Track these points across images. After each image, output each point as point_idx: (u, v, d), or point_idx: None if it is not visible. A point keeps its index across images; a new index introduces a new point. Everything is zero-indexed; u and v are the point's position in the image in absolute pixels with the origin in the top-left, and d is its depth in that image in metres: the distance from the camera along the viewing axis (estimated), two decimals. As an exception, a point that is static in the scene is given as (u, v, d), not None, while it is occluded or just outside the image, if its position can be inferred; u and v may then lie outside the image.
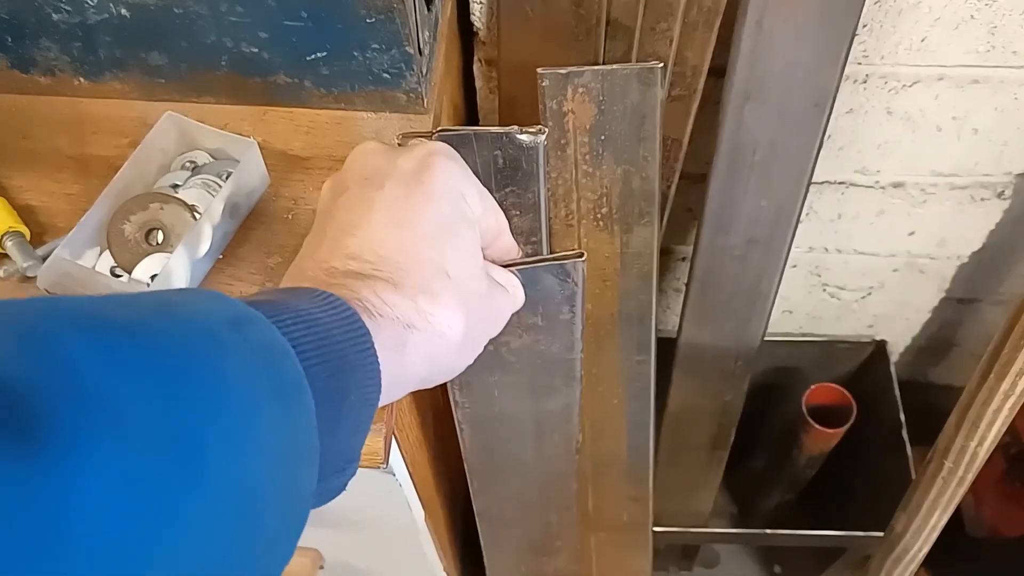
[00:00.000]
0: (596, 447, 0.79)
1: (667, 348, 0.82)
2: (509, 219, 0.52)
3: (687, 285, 0.76)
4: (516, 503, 0.59)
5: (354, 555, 0.71)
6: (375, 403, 0.30)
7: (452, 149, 0.38)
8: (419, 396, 0.62)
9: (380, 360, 0.30)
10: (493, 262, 0.41)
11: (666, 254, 0.89)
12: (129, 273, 0.49)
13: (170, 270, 0.47)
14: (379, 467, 0.48)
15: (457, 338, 0.34)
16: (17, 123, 0.57)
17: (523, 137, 0.48)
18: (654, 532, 0.89)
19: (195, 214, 0.49)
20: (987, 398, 0.49)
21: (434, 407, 0.70)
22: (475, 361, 0.44)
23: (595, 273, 0.64)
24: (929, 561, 1.14)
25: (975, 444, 0.53)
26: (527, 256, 0.45)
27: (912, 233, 0.82)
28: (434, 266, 0.33)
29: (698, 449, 0.96)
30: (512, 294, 0.41)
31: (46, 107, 0.58)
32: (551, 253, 0.49)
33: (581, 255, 0.43)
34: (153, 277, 0.48)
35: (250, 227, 0.53)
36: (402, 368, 0.32)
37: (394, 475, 0.54)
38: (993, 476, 1.12)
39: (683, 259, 0.89)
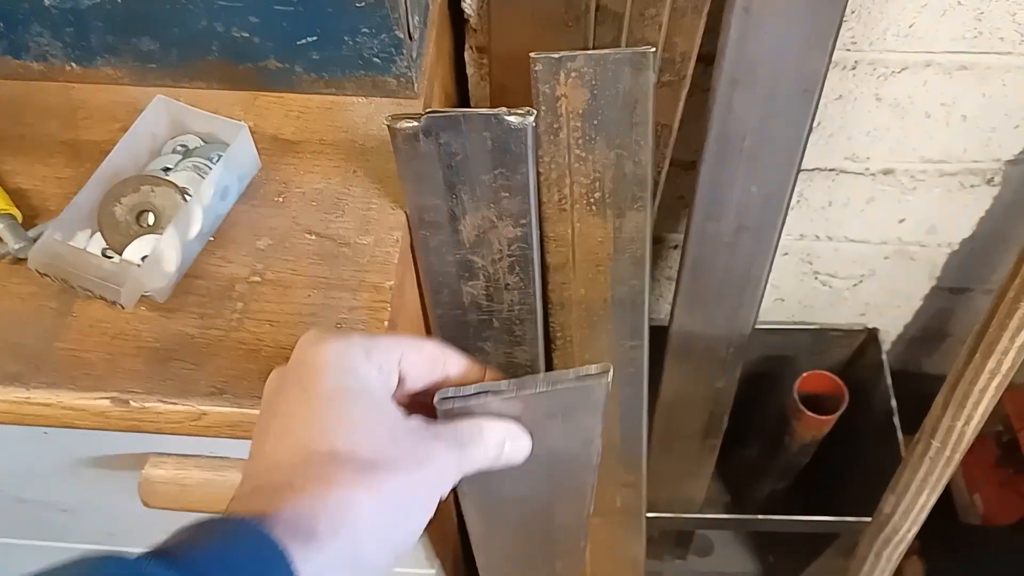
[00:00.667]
0: (589, 433, 0.80)
1: (659, 336, 0.82)
2: (498, 201, 0.53)
3: (678, 272, 0.77)
4: (522, 557, 0.58)
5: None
6: None
7: (324, 332, 0.35)
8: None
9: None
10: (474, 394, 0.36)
11: (658, 242, 0.89)
12: (120, 254, 0.49)
13: (160, 251, 0.48)
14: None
15: (374, 511, 0.31)
16: (9, 109, 0.58)
17: (512, 119, 0.49)
18: (647, 518, 0.89)
19: (186, 196, 0.50)
20: (973, 378, 0.50)
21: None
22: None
23: (588, 258, 0.64)
24: (922, 549, 1.15)
25: (962, 424, 0.54)
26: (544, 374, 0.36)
27: (902, 220, 0.82)
28: (325, 453, 0.31)
29: (690, 437, 0.96)
30: (466, 443, 0.35)
31: (38, 93, 0.58)
32: (542, 266, 0.46)
33: (606, 371, 0.35)
34: (144, 258, 0.48)
35: (241, 210, 0.53)
36: (330, 560, 0.30)
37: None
38: (986, 463, 1.13)
39: (675, 247, 0.90)
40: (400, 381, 0.36)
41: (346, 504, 0.31)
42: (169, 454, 0.56)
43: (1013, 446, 1.09)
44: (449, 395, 0.35)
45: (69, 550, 0.85)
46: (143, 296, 0.50)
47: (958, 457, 0.56)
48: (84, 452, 0.58)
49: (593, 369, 0.35)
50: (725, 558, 1.26)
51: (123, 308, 0.49)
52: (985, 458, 1.14)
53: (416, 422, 0.35)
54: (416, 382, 0.37)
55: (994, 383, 0.50)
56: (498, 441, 0.36)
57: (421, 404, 0.37)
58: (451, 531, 0.85)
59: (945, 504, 1.04)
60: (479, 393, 0.36)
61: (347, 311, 0.50)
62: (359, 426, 0.32)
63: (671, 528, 1.11)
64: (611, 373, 0.35)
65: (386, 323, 0.50)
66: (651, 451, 0.98)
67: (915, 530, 0.64)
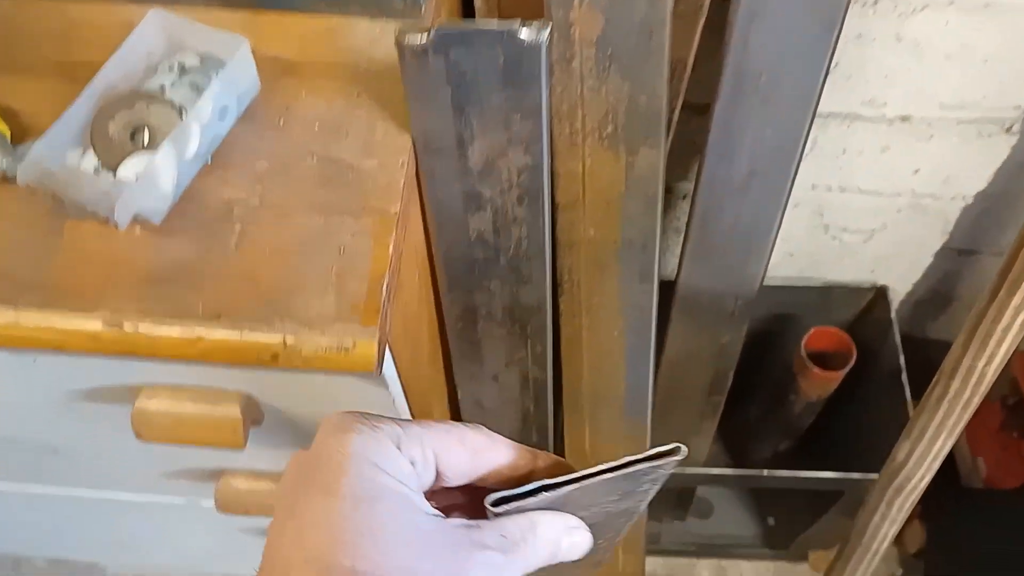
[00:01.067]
0: (594, 383, 0.78)
1: (666, 290, 0.80)
2: (509, 125, 0.51)
3: (687, 222, 0.75)
4: None
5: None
6: None
7: (350, 420, 0.30)
8: (415, 323, 0.61)
9: None
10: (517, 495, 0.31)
11: (667, 192, 0.87)
12: (113, 172, 0.47)
13: (156, 169, 0.46)
14: (371, 373, 0.47)
15: None
16: (1, 30, 0.55)
17: (525, 35, 0.46)
18: (650, 474, 0.88)
19: (183, 114, 0.48)
20: (997, 315, 0.48)
21: (431, 334, 0.69)
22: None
23: (599, 197, 0.62)
24: (923, 513, 1.14)
25: (983, 364, 0.52)
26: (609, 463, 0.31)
27: (917, 171, 0.80)
28: (346, 570, 0.27)
29: (694, 394, 0.95)
30: (514, 547, 0.30)
31: (31, 12, 0.56)
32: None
33: (678, 451, 0.31)
34: (139, 176, 0.46)
35: (240, 132, 0.51)
36: None
37: (387, 387, 0.52)
38: (990, 427, 1.12)
39: (684, 197, 0.88)
40: (437, 477, 0.31)
41: None
42: (163, 385, 0.54)
43: (1019, 409, 1.08)
44: (502, 497, 0.30)
45: (64, 497, 0.84)
46: (138, 217, 0.48)
47: (977, 400, 0.55)
48: (76, 383, 0.56)
49: (663, 449, 0.31)
50: (725, 520, 1.25)
51: (117, 227, 0.47)
52: (990, 422, 1.13)
53: (455, 527, 0.30)
54: (457, 478, 0.32)
55: (1019, 320, 0.48)
56: (553, 539, 0.31)
57: (462, 495, 0.34)
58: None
59: (948, 468, 1.03)
60: (535, 490, 0.31)
61: (350, 236, 0.48)
62: (387, 538, 0.28)
63: (672, 484, 1.10)
64: (684, 453, 0.31)
65: (391, 249, 0.48)
66: (654, 409, 0.97)
67: (928, 478, 0.63)
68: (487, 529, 0.30)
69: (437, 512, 0.30)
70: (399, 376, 0.55)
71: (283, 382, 0.53)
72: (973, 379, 0.53)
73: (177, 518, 0.88)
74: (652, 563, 1.26)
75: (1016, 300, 0.47)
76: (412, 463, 0.30)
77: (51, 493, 0.83)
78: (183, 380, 0.54)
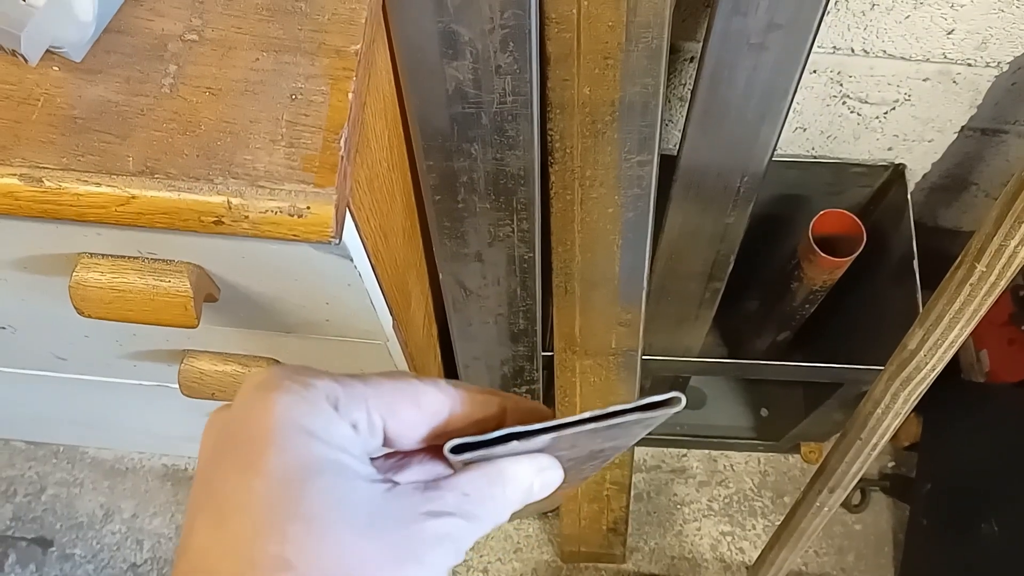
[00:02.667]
0: (586, 264, 0.73)
1: (666, 166, 0.73)
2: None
3: (694, 85, 0.67)
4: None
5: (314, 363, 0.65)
6: None
7: (277, 375, 0.25)
8: (385, 190, 0.55)
9: None
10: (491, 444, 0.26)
11: (672, 53, 0.79)
12: (21, -3, 0.39)
13: (68, -10, 0.38)
14: (329, 242, 0.41)
15: None
16: None
17: None
18: (642, 360, 0.84)
19: (100, -75, 0.40)
20: (1039, 188, 0.42)
21: (406, 203, 0.62)
22: None
23: (595, 48, 0.55)
24: (920, 405, 1.11)
25: (1015, 243, 0.47)
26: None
27: (951, 32, 0.72)
28: (273, 559, 0.23)
29: (693, 279, 0.89)
30: (482, 503, 0.26)
31: None
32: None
33: (678, 401, 0.26)
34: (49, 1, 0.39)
35: (174, -48, 0.43)
36: None
37: (351, 259, 0.47)
38: (997, 319, 1.08)
39: (690, 59, 0.80)
40: (386, 441, 0.27)
41: None
42: (102, 255, 0.48)
43: (1030, 301, 1.03)
44: (465, 443, 0.26)
45: (21, 376, 0.79)
46: (54, 53, 0.41)
47: (1003, 285, 0.49)
48: (7, 252, 0.50)
49: (659, 399, 0.26)
50: (717, 411, 1.23)
51: (27, 62, 0.40)
52: (997, 314, 1.08)
53: (408, 494, 0.25)
54: (410, 443, 0.27)
55: (1064, 193, 0.42)
56: (525, 487, 0.27)
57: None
58: (435, 370, 0.79)
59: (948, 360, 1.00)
60: (504, 437, 0.26)
61: (303, 80, 0.42)
62: (322, 521, 0.23)
63: (666, 372, 1.07)
64: (683, 403, 0.26)
65: (350, 95, 0.41)
66: (650, 292, 0.92)
67: (939, 369, 0.58)
68: (446, 489, 0.26)
69: (386, 478, 0.25)
70: (366, 249, 0.49)
71: (236, 252, 0.47)
72: (1001, 262, 0.47)
73: (148, 401, 0.85)
74: (641, 452, 1.25)
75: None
76: (354, 427, 0.25)
77: (17, 373, 0.79)
78: (123, 250, 0.48)
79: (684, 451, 1.25)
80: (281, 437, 0.24)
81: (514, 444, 0.26)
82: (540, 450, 0.27)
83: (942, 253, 1.08)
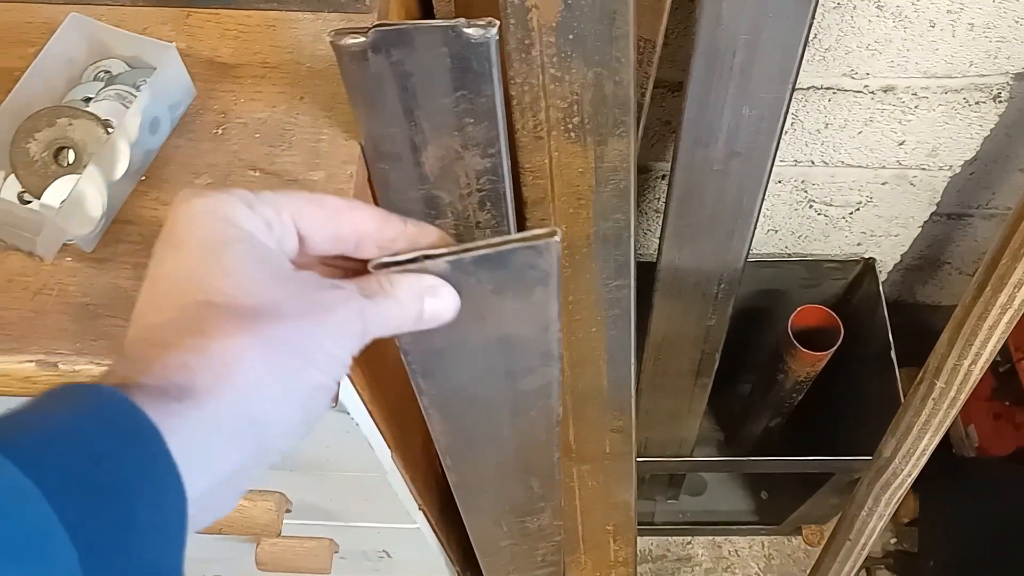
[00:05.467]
0: (576, 379, 0.75)
1: (647, 273, 0.77)
2: (462, 128, 0.47)
3: (666, 204, 0.72)
4: (493, 474, 0.55)
5: (323, 497, 0.67)
6: (182, 509, 0.25)
7: (199, 189, 0.33)
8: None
9: (178, 454, 0.25)
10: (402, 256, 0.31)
11: (644, 172, 0.84)
12: (38, 198, 0.43)
13: (81, 193, 0.42)
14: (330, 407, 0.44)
15: (263, 360, 0.27)
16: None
17: (471, 31, 0.42)
18: (638, 462, 0.86)
19: (109, 129, 0.44)
20: (983, 312, 0.45)
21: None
22: (438, 348, 0.37)
23: (568, 191, 0.59)
24: (915, 482, 1.13)
25: (968, 363, 0.50)
26: (492, 238, 0.33)
27: (902, 142, 0.77)
28: (200, 303, 0.27)
29: (682, 376, 0.92)
30: (372, 294, 0.30)
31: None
32: (512, 195, 0.42)
33: (554, 233, 0.32)
34: (63, 201, 0.43)
35: (175, 145, 0.47)
36: (214, 419, 0.26)
37: (349, 414, 0.49)
38: (982, 394, 1.10)
39: (662, 177, 0.84)
40: (301, 242, 0.31)
41: (228, 352, 0.26)
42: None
43: (1010, 376, 1.06)
44: (383, 262, 0.31)
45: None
46: (67, 245, 0.45)
47: (963, 398, 0.52)
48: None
49: (540, 231, 0.32)
50: (718, 497, 1.24)
51: (43, 260, 0.43)
52: (980, 389, 1.10)
53: (310, 274, 0.30)
54: (320, 243, 0.31)
55: (1005, 318, 0.45)
56: (414, 294, 0.31)
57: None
58: (434, 482, 0.81)
59: (941, 436, 1.02)
60: (416, 259, 0.31)
61: (298, 255, 0.45)
62: (239, 272, 0.28)
63: (662, 471, 1.08)
64: (559, 235, 0.32)
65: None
66: (641, 391, 0.95)
67: (916, 473, 0.61)
68: (344, 281, 0.30)
69: (294, 266, 0.30)
70: (362, 399, 0.52)
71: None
72: (958, 379, 0.50)
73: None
74: (646, 542, 1.25)
75: (1002, 298, 0.44)
76: (267, 225, 0.29)
77: None
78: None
79: (688, 539, 1.26)
80: (201, 219, 0.29)
81: (425, 263, 0.31)
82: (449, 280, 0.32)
83: (923, 328, 1.11)
